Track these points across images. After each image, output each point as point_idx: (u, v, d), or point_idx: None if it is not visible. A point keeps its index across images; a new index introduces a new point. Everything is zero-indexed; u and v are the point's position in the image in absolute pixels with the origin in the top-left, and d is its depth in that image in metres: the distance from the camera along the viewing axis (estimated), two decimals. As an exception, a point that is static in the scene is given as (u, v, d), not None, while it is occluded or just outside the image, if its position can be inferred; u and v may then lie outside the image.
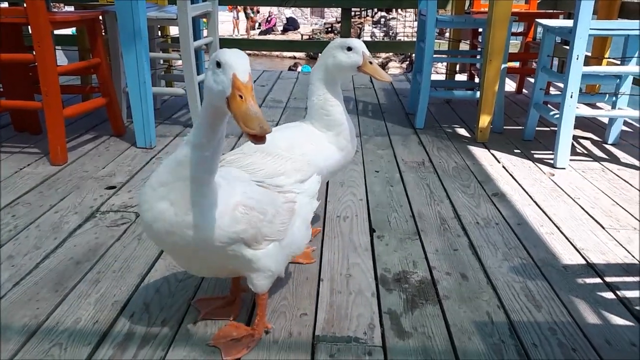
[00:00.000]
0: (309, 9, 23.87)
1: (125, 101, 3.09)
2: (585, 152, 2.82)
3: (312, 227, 1.86)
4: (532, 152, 2.79)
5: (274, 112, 3.56)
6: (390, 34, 15.80)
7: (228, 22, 23.50)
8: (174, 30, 3.88)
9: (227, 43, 6.88)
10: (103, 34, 2.97)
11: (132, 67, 2.59)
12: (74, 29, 4.21)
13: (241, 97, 0.92)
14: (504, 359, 1.25)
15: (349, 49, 1.56)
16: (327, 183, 2.31)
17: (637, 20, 2.56)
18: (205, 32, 3.39)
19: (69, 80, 4.01)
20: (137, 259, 1.67)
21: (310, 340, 1.31)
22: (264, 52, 20.25)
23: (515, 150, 2.81)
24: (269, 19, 23.76)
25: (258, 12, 24.39)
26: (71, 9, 4.77)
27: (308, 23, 24.31)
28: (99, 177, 2.35)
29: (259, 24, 24.27)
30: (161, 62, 3.62)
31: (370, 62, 1.57)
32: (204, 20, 3.33)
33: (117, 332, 1.32)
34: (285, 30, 22.91)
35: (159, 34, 3.77)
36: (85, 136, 2.91)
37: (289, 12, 23.79)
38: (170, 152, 2.69)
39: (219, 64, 0.96)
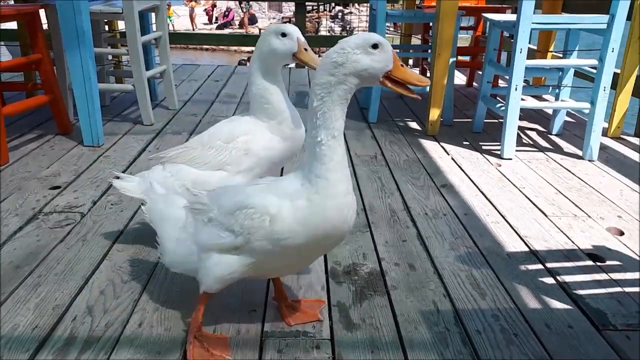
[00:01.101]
0: (266, 3, 23.66)
1: (72, 98, 2.98)
2: (531, 142, 2.92)
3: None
4: (480, 143, 2.86)
5: (227, 107, 3.52)
6: (348, 28, 15.87)
7: (185, 17, 23.04)
8: (122, 25, 3.78)
9: (180, 37, 6.75)
10: (46, 28, 2.86)
11: (76, 63, 2.51)
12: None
13: (305, 49, 1.51)
14: (448, 347, 1.28)
15: (284, 35, 1.50)
16: (280, 178, 2.30)
17: (577, 15, 2.66)
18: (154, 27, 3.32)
19: (13, 77, 3.85)
20: (81, 261, 1.62)
21: (258, 336, 1.30)
22: (222, 47, 19.98)
23: (464, 143, 2.88)
24: (226, 12, 23.43)
25: (215, 6, 24.02)
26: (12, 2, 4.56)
27: (266, 17, 24.13)
28: (43, 177, 2.26)
29: (216, 18, 23.91)
30: (109, 57, 3.52)
31: (306, 49, 1.52)
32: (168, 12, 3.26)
33: (58, 337, 1.27)
34: (242, 24, 22.65)
35: (107, 28, 3.66)
36: (28, 135, 2.80)
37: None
38: (119, 150, 2.62)
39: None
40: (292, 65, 6.01)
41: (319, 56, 1.51)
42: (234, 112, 3.42)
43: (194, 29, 21.15)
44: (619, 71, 2.91)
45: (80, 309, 1.38)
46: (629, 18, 2.75)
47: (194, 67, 5.00)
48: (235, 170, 1.59)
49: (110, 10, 2.86)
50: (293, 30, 1.51)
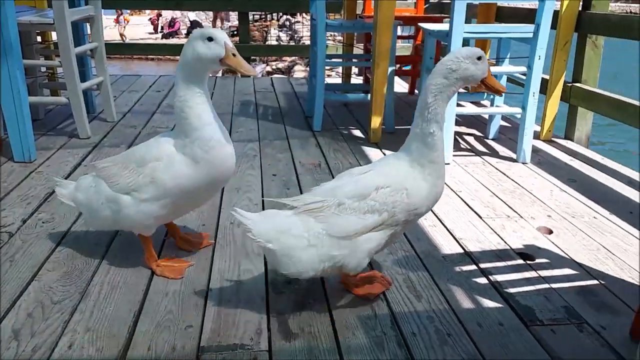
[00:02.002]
0: (212, 12, 23.45)
1: (1, 112, 2.85)
2: (469, 147, 3.02)
3: (205, 238, 1.82)
4: (421, 149, 2.94)
5: (169, 118, 3.46)
6: (296, 37, 15.95)
7: (128, 26, 22.48)
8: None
9: (114, 47, 6.55)
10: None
11: (3, 76, 2.40)
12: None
13: (234, 55, 1.42)
14: (384, 351, 1.30)
15: (210, 39, 1.40)
16: (222, 190, 2.29)
17: (506, 25, 2.79)
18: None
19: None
20: (8, 283, 1.54)
21: (194, 352, 1.28)
22: (169, 57, 19.61)
23: (406, 149, 2.95)
24: (172, 22, 23.05)
25: (160, 15, 23.58)
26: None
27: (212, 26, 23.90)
28: (-32, 196, 2.15)
29: (162, 27, 23.47)
30: (42, 69, 3.39)
31: (234, 54, 1.42)
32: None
33: (-21, 365, 1.21)
34: (189, 34, 22.34)
35: (39, 39, 3.52)
36: (-47, 152, 2.65)
37: (192, 15, 23.23)
38: (53, 165, 2.53)
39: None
40: (239, 74, 5.91)
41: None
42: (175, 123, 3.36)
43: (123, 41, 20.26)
44: (548, 77, 3.07)
45: (5, 334, 1.32)
46: (554, 27, 2.91)
47: (135, 77, 4.89)
48: (141, 198, 1.50)
49: (40, 21, 2.76)
50: (220, 34, 1.41)
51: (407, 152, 1.39)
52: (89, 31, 3.24)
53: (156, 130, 3.16)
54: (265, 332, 1.36)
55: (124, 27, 21.01)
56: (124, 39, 20.46)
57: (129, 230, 1.64)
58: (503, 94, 2.73)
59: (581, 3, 3.06)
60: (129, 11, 22.26)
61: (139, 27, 24.01)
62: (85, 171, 2.37)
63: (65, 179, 2.37)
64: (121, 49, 6.80)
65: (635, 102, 2.69)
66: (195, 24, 22.82)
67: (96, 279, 1.58)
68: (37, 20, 2.76)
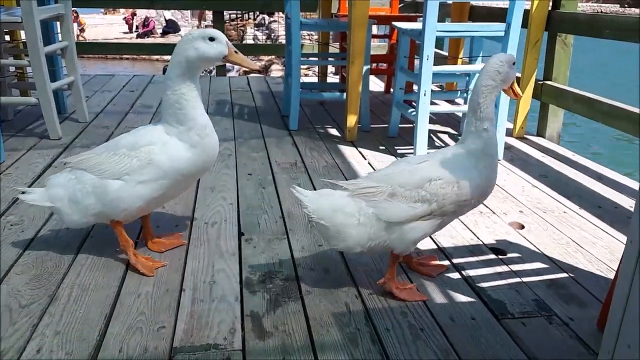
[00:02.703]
0: (189, 11, 23.22)
1: (-32, 113, 2.78)
2: (443, 144, 3.05)
3: (176, 239, 1.81)
4: (396, 147, 2.96)
5: (142, 118, 3.41)
6: (273, 36, 15.90)
7: (102, 25, 22.09)
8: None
9: (87, 47, 6.43)
10: None
11: (-31, 75, 2.34)
12: None
13: (236, 52, 1.55)
14: (358, 347, 1.31)
15: (211, 39, 1.52)
16: (197, 189, 2.27)
17: (478, 23, 2.83)
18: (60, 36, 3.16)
19: None
20: (-26, 288, 1.51)
21: (167, 353, 1.27)
22: (144, 56, 19.35)
23: (381, 147, 2.97)
24: (147, 22, 22.74)
25: (134, 14, 23.25)
26: None
27: (189, 25, 23.68)
28: None
29: (137, 27, 23.14)
30: (12, 69, 3.31)
31: (236, 52, 1.56)
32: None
33: (-57, 372, 1.18)
34: (165, 33, 22.05)
35: (8, 38, 3.44)
36: None
37: (168, 14, 22.96)
38: (22, 167, 2.47)
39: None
40: (214, 73, 5.89)
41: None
42: (150, 122, 3.32)
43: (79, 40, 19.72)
44: (520, 75, 3.12)
45: (-30, 340, 1.29)
46: (525, 26, 2.96)
47: (108, 77, 4.81)
48: (137, 180, 1.56)
49: (8, 20, 2.70)
50: (220, 34, 1.53)
51: (464, 145, 1.49)
52: (59, 30, 3.18)
53: (129, 130, 3.11)
54: (239, 331, 1.36)
55: (81, 30, 20.45)
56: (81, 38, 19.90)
57: (112, 217, 1.62)
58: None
59: (551, 3, 3.12)
60: (101, 11, 21.81)
61: (113, 26, 23.67)
62: (56, 172, 2.32)
63: (35, 180, 2.33)
64: (94, 49, 6.66)
65: (602, 99, 2.75)
66: (170, 23, 22.57)
67: (66, 282, 1.55)
68: (5, 19, 2.70)
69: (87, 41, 14.87)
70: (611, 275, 1.64)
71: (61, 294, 1.49)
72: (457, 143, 1.53)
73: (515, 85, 1.54)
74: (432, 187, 1.43)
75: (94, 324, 1.36)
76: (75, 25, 21.72)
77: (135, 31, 22.87)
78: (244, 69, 1.63)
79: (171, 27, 22.20)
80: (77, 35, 20.79)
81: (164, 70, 12.10)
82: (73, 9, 3.30)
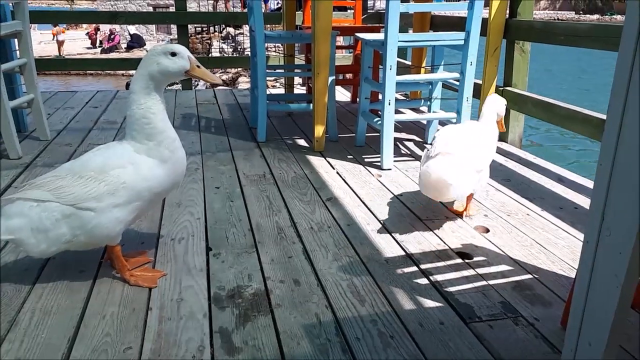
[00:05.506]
0: (154, 25, 23.02)
1: None
2: (409, 152, 3.09)
3: (142, 256, 1.78)
4: (363, 156, 2.99)
5: (106, 134, 3.35)
6: (239, 49, 15.89)
7: (66, 41, 21.68)
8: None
9: (46, 63, 6.29)
10: None
11: None
12: None
13: (198, 66, 1.57)
14: (329, 358, 1.31)
15: (173, 54, 1.54)
16: (163, 205, 2.24)
17: (438, 33, 2.89)
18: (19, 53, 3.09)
19: None
20: None
21: (134, 374, 1.24)
22: (109, 72, 19.05)
23: (348, 156, 2.99)
24: (112, 37, 22.43)
25: (98, 29, 22.90)
26: None
27: (154, 39, 23.47)
28: None
29: (101, 42, 22.79)
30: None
31: (198, 66, 1.57)
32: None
33: None
34: (130, 48, 21.81)
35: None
36: None
37: (132, 28, 22.71)
38: (-20, 189, 2.39)
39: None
40: (179, 87, 5.85)
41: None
42: (114, 138, 3.27)
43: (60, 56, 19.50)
44: (481, 82, 3.19)
45: None
46: (484, 34, 3.04)
47: (71, 94, 4.72)
48: (113, 203, 1.52)
49: (-38, 37, 2.62)
50: (182, 49, 1.55)
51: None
52: (17, 47, 3.11)
53: (93, 147, 3.05)
54: (208, 348, 1.34)
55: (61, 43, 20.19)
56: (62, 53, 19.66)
57: (97, 244, 1.61)
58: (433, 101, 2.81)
59: (508, 11, 3.21)
60: (64, 26, 21.48)
61: (76, 42, 23.28)
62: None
63: (-7, 202, 2.25)
64: (57, 65, 6.53)
65: (561, 103, 2.84)
66: (135, 38, 22.33)
67: (27, 306, 1.51)
68: (-42, 37, 2.62)
69: (52, 57, 14.60)
70: (573, 275, 1.68)
71: (22, 318, 1.45)
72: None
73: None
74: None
75: (56, 348, 1.32)
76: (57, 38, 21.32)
77: (99, 46, 22.55)
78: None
79: (136, 41, 21.99)
80: (58, 48, 20.45)
81: (127, 86, 11.92)
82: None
